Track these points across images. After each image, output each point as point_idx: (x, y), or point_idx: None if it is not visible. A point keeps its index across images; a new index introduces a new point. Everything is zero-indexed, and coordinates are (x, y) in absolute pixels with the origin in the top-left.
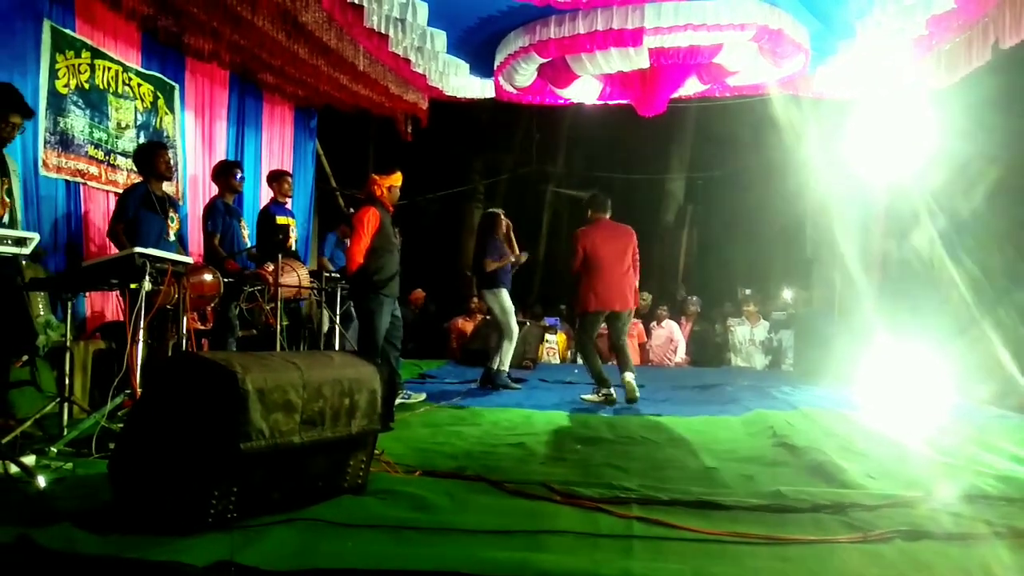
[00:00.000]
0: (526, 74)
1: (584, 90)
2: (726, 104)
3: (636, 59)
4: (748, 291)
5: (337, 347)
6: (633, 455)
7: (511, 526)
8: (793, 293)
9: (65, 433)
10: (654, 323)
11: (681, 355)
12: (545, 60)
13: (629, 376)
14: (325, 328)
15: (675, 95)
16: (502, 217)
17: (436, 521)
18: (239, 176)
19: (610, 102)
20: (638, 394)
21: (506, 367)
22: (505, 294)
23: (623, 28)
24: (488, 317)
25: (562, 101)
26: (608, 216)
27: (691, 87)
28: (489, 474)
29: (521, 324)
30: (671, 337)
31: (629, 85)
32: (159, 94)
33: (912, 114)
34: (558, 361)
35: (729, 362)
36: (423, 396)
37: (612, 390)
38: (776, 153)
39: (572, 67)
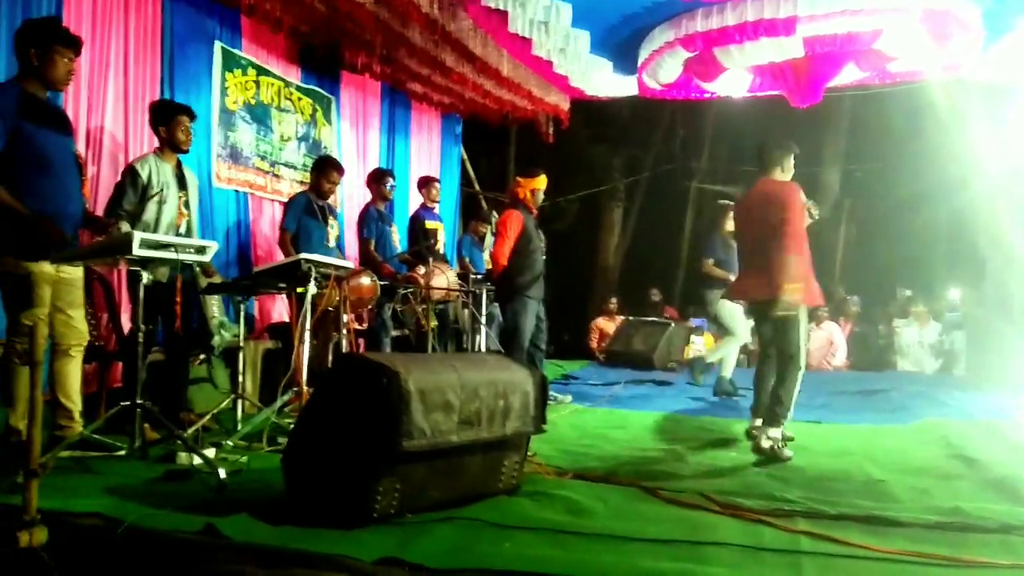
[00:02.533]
0: (671, 69)
1: (732, 83)
2: (883, 91)
3: (789, 48)
4: (908, 292)
5: (484, 348)
6: (793, 465)
7: (670, 535)
8: (962, 292)
9: (239, 428)
10: (812, 324)
11: (841, 359)
12: (692, 54)
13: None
14: (469, 328)
15: (831, 83)
16: (729, 212)
17: (592, 526)
18: (389, 184)
19: (759, 94)
20: None
21: (728, 373)
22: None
23: (775, 17)
24: (630, 317)
25: (708, 95)
26: None
27: (848, 75)
28: (641, 480)
29: (665, 324)
30: (830, 339)
31: (781, 75)
32: (317, 107)
33: None
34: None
35: (895, 366)
36: (569, 398)
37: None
38: (939, 142)
39: (720, 60)
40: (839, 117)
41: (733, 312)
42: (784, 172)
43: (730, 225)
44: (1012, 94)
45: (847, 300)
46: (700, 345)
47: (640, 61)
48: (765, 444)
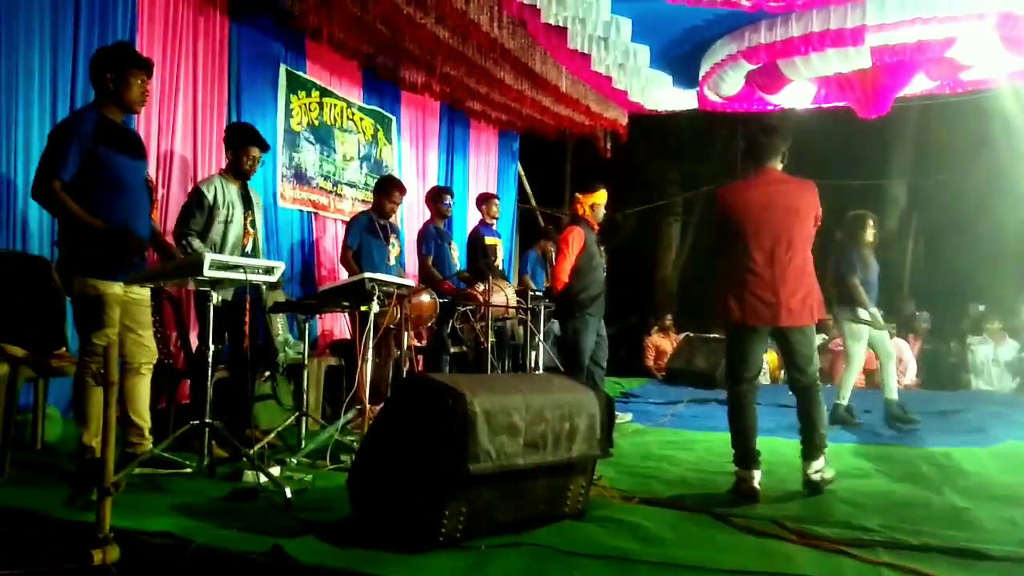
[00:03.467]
0: (733, 82)
1: (796, 94)
2: (950, 100)
3: (856, 59)
4: (981, 307)
5: (541, 365)
6: (867, 490)
7: (744, 565)
8: None
9: (303, 445)
10: (823, 336)
11: (911, 377)
12: (755, 66)
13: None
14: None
15: (900, 93)
16: (869, 220)
17: (663, 555)
18: (447, 202)
19: (825, 105)
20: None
21: (844, 400)
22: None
23: (842, 28)
24: (691, 334)
25: (771, 107)
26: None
27: (918, 84)
28: (709, 505)
29: (716, 340)
30: (900, 357)
31: (847, 86)
32: (379, 127)
33: None
34: (768, 382)
35: (968, 385)
36: (629, 417)
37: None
38: (1010, 151)
39: (784, 72)
40: (905, 128)
41: (862, 336)
42: (782, 162)
43: (870, 237)
44: None
45: (916, 316)
46: (764, 363)
47: (701, 74)
48: (815, 477)
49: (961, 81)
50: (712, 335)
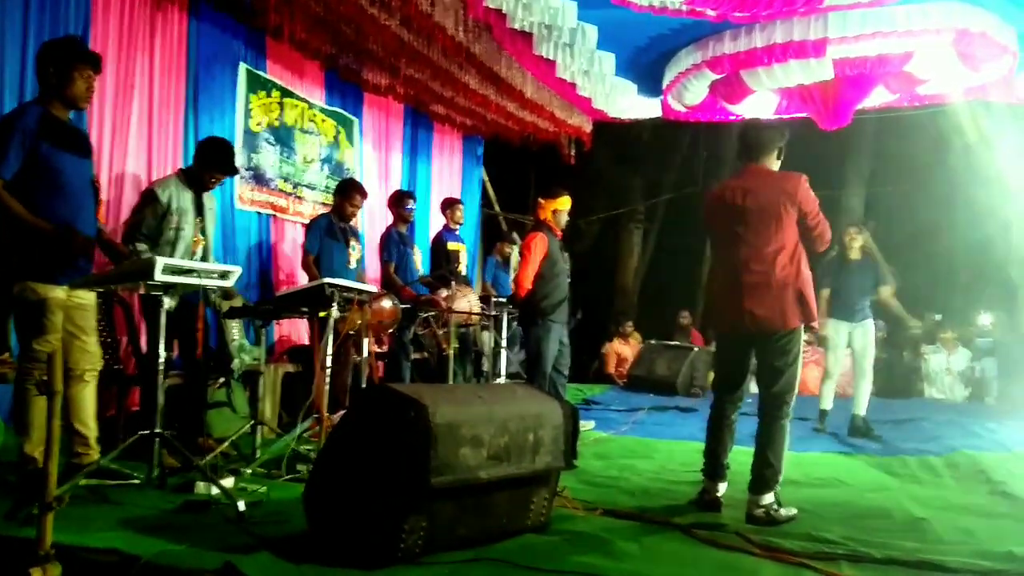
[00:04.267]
0: (697, 91)
1: (758, 105)
2: (907, 114)
3: (818, 71)
4: (938, 317)
5: (503, 371)
6: (828, 499)
7: None
8: (993, 318)
9: (258, 454)
10: (808, 348)
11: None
12: (718, 76)
13: None
14: (490, 352)
15: (859, 105)
16: (849, 231)
17: (628, 571)
18: (410, 207)
19: (785, 116)
20: None
21: (861, 411)
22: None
23: (805, 39)
24: (652, 341)
25: (733, 117)
26: None
27: (876, 97)
28: (672, 516)
29: (688, 349)
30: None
31: (809, 98)
32: (340, 128)
33: None
34: None
35: (922, 393)
36: (592, 424)
37: None
38: (965, 165)
39: (747, 82)
40: (862, 140)
41: (834, 346)
42: (778, 160)
43: (849, 247)
44: None
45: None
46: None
47: (665, 83)
48: (758, 512)
49: (918, 95)
50: (673, 343)
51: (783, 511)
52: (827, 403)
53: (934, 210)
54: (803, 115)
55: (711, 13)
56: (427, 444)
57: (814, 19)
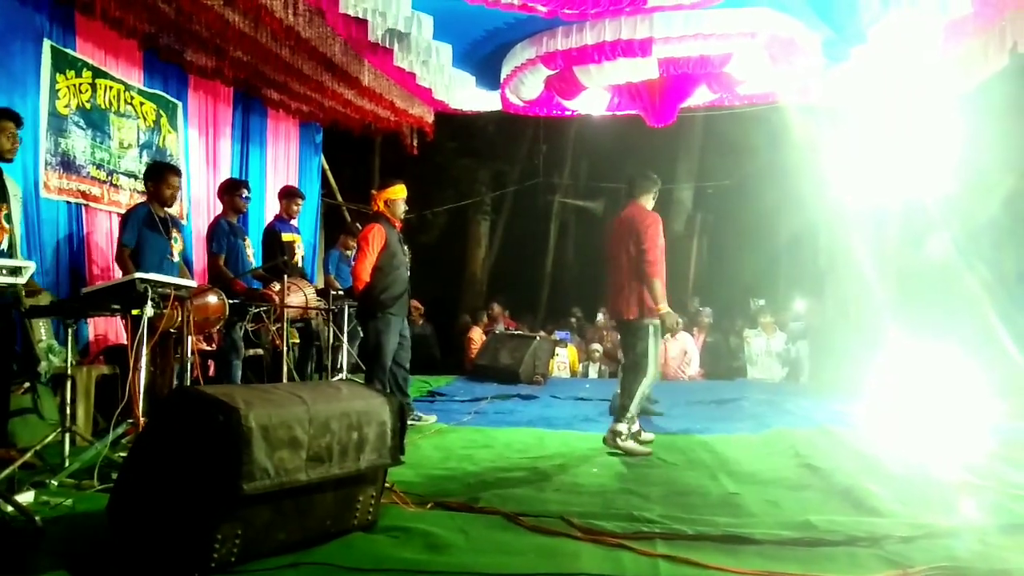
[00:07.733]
0: (533, 86)
1: (592, 101)
2: (735, 112)
3: (645, 69)
4: (761, 302)
5: (344, 365)
6: (652, 479)
7: (532, 568)
8: (806, 303)
9: (67, 464)
10: (667, 336)
11: (695, 368)
12: (552, 72)
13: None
14: (330, 346)
15: (684, 104)
16: None
17: (451, 564)
18: (244, 195)
19: (618, 112)
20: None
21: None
22: None
23: (632, 38)
24: (496, 331)
25: (569, 112)
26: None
27: (700, 96)
28: (504, 503)
29: (530, 339)
30: (684, 349)
31: (638, 95)
32: (162, 112)
33: (927, 120)
34: (568, 375)
35: (745, 374)
36: (434, 418)
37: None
38: (787, 161)
39: (579, 78)
40: (692, 136)
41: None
42: (652, 200)
43: None
44: (852, 119)
45: (700, 312)
46: (564, 357)
47: (503, 77)
48: (608, 435)
49: (738, 94)
50: (516, 332)
51: (631, 444)
52: None
53: (759, 203)
54: (634, 112)
55: (542, 9)
56: (238, 449)
57: (641, 19)
